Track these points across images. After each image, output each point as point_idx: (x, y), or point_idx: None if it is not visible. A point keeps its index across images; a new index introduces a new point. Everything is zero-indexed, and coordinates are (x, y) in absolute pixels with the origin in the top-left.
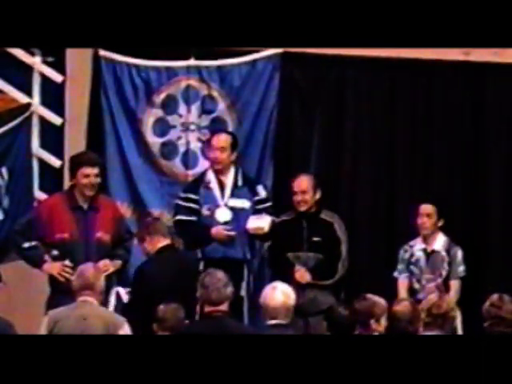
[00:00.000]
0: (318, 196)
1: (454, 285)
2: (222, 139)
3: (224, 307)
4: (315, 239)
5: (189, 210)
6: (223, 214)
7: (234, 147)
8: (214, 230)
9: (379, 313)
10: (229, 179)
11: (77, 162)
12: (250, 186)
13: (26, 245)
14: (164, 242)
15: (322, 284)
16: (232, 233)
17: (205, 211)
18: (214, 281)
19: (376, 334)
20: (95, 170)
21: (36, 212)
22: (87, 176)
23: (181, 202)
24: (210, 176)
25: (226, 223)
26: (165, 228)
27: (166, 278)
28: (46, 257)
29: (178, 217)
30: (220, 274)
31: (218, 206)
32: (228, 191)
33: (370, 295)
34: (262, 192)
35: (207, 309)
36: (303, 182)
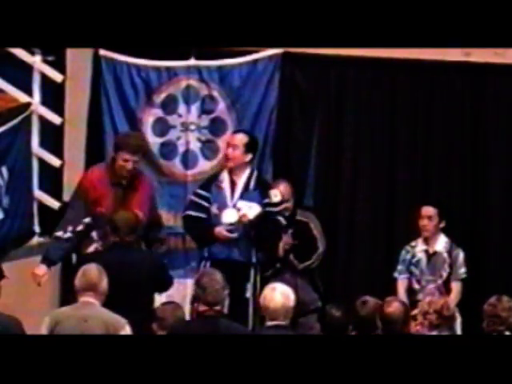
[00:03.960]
0: (292, 202)
1: (456, 287)
2: (236, 137)
3: (218, 307)
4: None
5: (199, 206)
6: (230, 215)
7: (250, 148)
8: (217, 230)
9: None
10: (241, 180)
11: (119, 144)
12: (263, 189)
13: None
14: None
15: (293, 264)
16: (233, 235)
17: (214, 209)
18: (213, 283)
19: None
20: (135, 157)
21: (82, 182)
22: (125, 161)
23: (193, 198)
24: (224, 175)
25: (231, 224)
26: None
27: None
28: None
29: (187, 212)
30: (218, 276)
31: (226, 206)
32: (238, 193)
33: (368, 298)
34: (275, 197)
35: (201, 308)
36: (286, 190)
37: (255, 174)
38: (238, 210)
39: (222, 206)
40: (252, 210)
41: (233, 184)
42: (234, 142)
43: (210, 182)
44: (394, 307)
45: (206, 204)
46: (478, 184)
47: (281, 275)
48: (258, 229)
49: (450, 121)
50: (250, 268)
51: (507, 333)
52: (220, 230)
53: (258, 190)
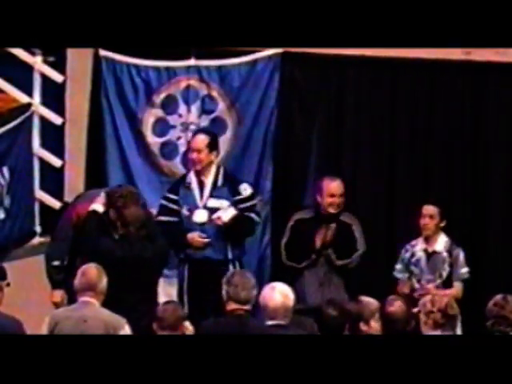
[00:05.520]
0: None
1: (456, 287)
2: (198, 140)
3: (248, 306)
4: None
5: (170, 210)
6: (200, 215)
7: (213, 147)
8: (189, 236)
9: (368, 315)
10: (209, 179)
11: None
12: (231, 185)
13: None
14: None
15: (333, 261)
16: (206, 240)
17: (184, 212)
18: (245, 280)
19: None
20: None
21: (70, 217)
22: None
23: (163, 202)
24: (191, 177)
25: (202, 224)
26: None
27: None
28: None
29: (159, 217)
30: (249, 275)
31: (196, 206)
32: (207, 192)
33: (362, 297)
34: (245, 191)
35: (231, 306)
36: (340, 186)
37: (222, 170)
38: (212, 211)
39: (193, 207)
40: (227, 212)
41: (201, 183)
42: (197, 145)
43: (178, 184)
44: (396, 306)
45: (175, 207)
46: (478, 184)
47: (316, 270)
48: (230, 229)
49: (450, 120)
50: (228, 264)
51: None
52: (193, 236)
53: (227, 186)
